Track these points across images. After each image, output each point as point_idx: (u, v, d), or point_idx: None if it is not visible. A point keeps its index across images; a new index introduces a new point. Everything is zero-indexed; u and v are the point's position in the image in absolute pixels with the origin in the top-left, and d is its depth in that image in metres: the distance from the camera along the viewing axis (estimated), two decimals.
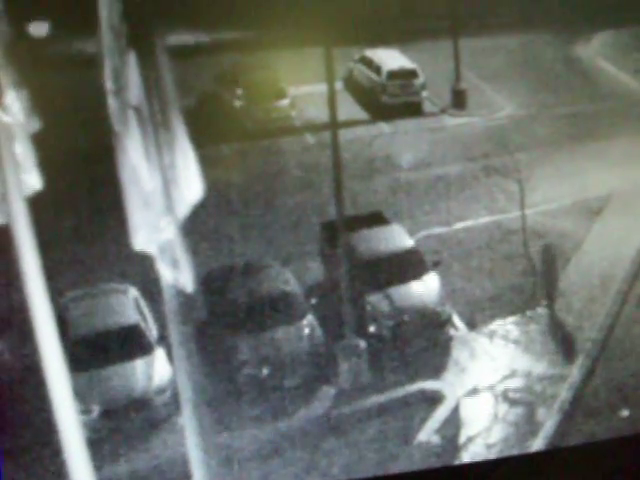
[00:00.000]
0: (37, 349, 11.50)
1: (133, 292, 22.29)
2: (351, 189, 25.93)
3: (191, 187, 12.59)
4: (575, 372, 21.71)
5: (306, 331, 21.75)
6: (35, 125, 12.53)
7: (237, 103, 32.31)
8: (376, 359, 21.70)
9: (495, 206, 27.51)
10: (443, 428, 20.20)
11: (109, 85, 12.06)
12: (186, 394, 13.87)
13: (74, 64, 28.96)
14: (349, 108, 32.82)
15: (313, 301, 23.30)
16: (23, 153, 12.08)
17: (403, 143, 31.59)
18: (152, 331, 21.43)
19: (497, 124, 33.13)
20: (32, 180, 12.14)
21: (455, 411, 20.70)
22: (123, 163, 12.21)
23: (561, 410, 20.69)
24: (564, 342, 22.67)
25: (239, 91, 32.44)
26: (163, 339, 20.39)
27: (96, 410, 19.78)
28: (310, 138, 31.47)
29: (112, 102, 12.07)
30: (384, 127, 32.81)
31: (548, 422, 20.42)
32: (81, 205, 25.43)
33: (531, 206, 26.51)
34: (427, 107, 34.29)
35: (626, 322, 23.32)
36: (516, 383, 21.46)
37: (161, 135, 12.24)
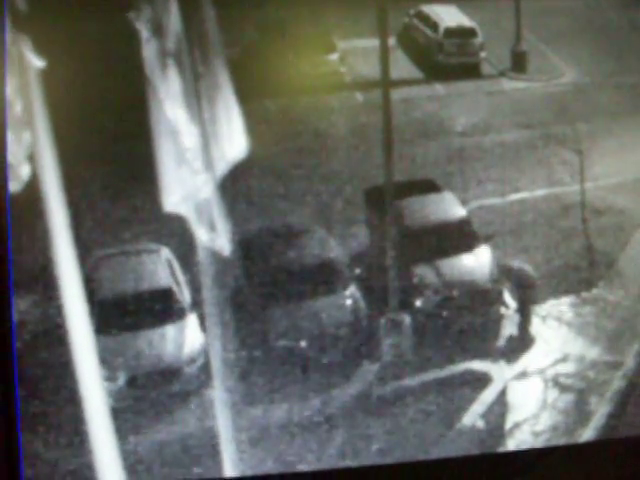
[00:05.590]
0: (62, 309, 10.80)
1: (166, 253, 21.14)
2: (401, 153, 24.84)
3: (233, 144, 11.77)
4: (630, 360, 20.74)
5: (348, 302, 20.85)
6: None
7: (283, 56, 31.45)
8: (421, 336, 20.80)
9: (553, 178, 26.12)
10: (489, 412, 19.48)
11: (146, 32, 11.15)
12: (218, 365, 13.17)
13: (108, 8, 28.41)
14: (402, 66, 31.98)
15: (357, 271, 22.19)
16: None
17: (458, 106, 30.17)
18: (185, 296, 20.34)
19: (558, 90, 31.49)
20: None
21: (502, 395, 19.93)
22: (157, 116, 11.36)
23: (613, 399, 19.83)
24: (620, 327, 21.56)
25: (285, 43, 31.61)
26: (196, 305, 19.50)
27: (122, 377, 18.98)
28: (359, 96, 30.59)
29: (148, 50, 11.16)
30: (439, 88, 31.29)
31: (600, 411, 19.59)
32: (113, 159, 24.72)
33: (591, 180, 25.26)
34: (485, 69, 32.67)
35: None
36: (568, 368, 20.53)
37: (202, 87, 11.38)
